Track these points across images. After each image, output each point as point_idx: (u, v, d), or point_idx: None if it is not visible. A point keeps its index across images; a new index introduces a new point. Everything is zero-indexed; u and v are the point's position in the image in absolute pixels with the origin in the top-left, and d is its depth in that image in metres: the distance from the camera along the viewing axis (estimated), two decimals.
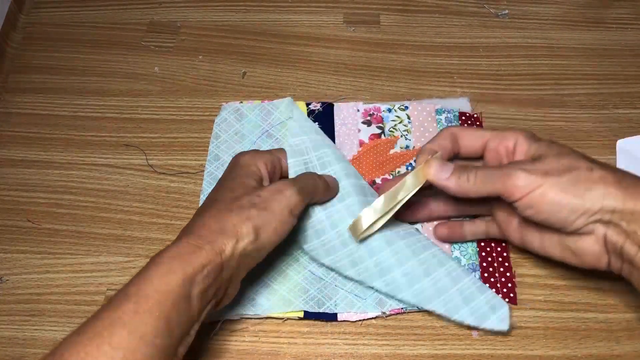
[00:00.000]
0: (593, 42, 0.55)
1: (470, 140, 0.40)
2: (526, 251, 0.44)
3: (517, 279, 0.43)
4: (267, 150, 0.43)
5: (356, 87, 0.53)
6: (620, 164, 0.48)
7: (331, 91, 0.52)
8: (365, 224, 0.40)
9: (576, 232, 0.36)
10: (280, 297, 0.41)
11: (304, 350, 0.40)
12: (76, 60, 0.55)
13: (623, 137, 0.49)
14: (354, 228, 0.41)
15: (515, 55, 0.54)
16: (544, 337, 0.41)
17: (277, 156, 0.42)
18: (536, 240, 0.39)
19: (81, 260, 0.45)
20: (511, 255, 0.44)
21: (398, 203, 0.39)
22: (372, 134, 0.49)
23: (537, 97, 0.52)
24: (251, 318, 0.41)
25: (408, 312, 0.42)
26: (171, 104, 0.52)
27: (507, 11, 0.57)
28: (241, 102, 0.51)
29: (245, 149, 0.47)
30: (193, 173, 0.48)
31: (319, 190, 0.41)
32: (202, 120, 0.51)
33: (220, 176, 0.42)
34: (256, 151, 0.42)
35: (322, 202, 0.43)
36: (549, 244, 0.39)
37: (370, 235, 0.42)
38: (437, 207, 0.44)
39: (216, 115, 0.51)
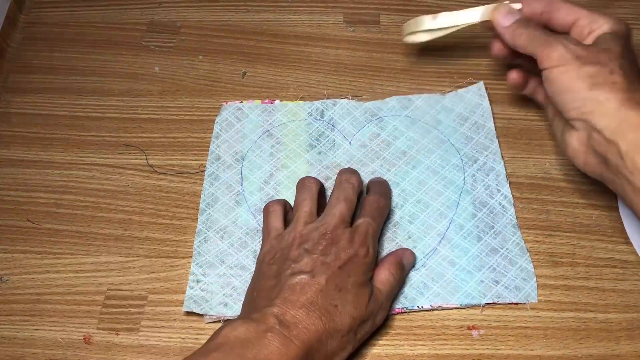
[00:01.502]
0: None
1: (563, 13, 0.42)
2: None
3: None
4: None
5: (356, 87, 0.53)
6: None
7: (331, 91, 0.52)
8: (422, 26, 0.47)
9: (569, 122, 0.40)
10: None
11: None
12: (76, 60, 0.55)
13: None
14: (407, 26, 0.47)
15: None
16: (544, 337, 0.41)
17: None
18: (549, 109, 0.44)
19: (81, 260, 0.45)
20: None
21: (458, 26, 0.46)
22: None
23: None
24: None
25: (408, 312, 0.42)
26: (171, 104, 0.52)
27: None
28: (242, 102, 0.51)
29: (246, 149, 0.47)
30: (193, 173, 0.48)
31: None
32: (202, 120, 0.51)
33: (221, 176, 0.43)
34: None
35: None
36: (556, 123, 0.43)
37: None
38: (500, 48, 0.46)
39: (216, 115, 0.51)
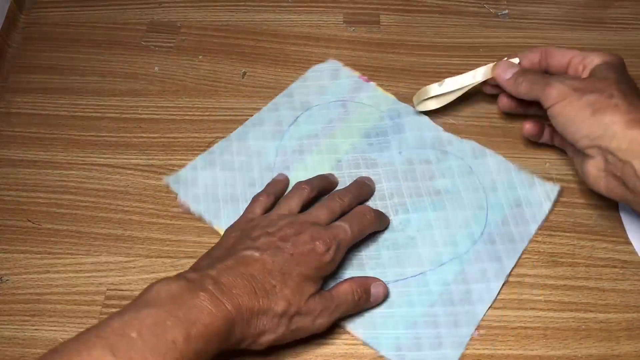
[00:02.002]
0: (593, 42, 0.55)
1: (558, 57, 0.46)
2: (525, 250, 0.44)
3: (517, 279, 0.43)
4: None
5: None
6: None
7: None
8: (429, 93, 0.49)
9: (583, 152, 0.41)
10: None
11: (304, 350, 0.40)
12: (76, 60, 0.55)
13: None
14: (417, 95, 0.49)
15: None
16: (544, 337, 0.41)
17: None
18: (569, 150, 0.45)
19: (81, 260, 0.45)
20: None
21: (464, 88, 0.48)
22: None
23: None
24: None
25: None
26: (171, 104, 0.52)
27: (507, 11, 0.57)
28: (344, 66, 0.53)
29: (315, 103, 0.51)
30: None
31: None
32: (202, 120, 0.51)
33: (280, 110, 0.51)
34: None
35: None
36: (575, 159, 0.43)
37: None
38: (508, 101, 0.48)
39: (217, 115, 0.51)
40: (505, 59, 0.47)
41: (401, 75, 0.53)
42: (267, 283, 0.36)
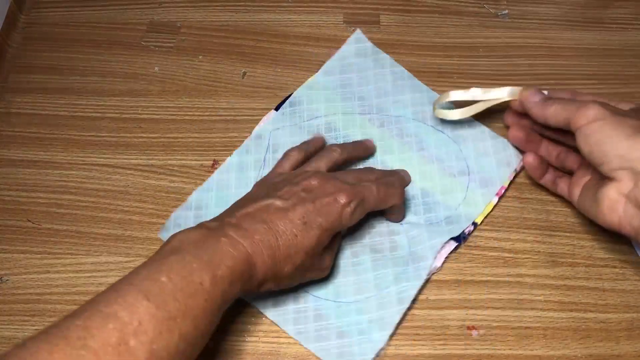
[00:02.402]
0: (593, 42, 0.55)
1: (589, 99, 0.43)
2: (525, 250, 0.44)
3: (517, 279, 0.43)
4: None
5: None
6: None
7: None
8: (452, 97, 0.48)
9: (607, 175, 0.39)
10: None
11: (304, 350, 0.40)
12: (76, 60, 0.55)
13: None
14: (439, 99, 0.48)
15: (515, 55, 0.54)
16: (544, 337, 0.41)
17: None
18: (576, 193, 0.43)
19: (81, 260, 0.45)
20: (510, 254, 0.44)
21: (489, 101, 0.47)
22: None
23: None
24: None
25: (408, 312, 0.42)
26: (171, 104, 0.52)
27: (507, 11, 0.57)
28: (374, 47, 0.54)
29: (347, 83, 0.52)
30: (193, 173, 0.48)
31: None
32: (202, 120, 0.51)
33: (320, 82, 0.51)
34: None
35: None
36: (584, 193, 0.42)
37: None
38: (515, 133, 0.47)
39: (217, 115, 0.51)
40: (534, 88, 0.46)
41: None
42: (289, 231, 0.37)
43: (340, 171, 0.43)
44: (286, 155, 0.45)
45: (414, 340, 0.41)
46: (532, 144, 0.47)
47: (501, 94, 0.47)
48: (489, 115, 0.50)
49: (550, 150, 0.46)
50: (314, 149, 0.46)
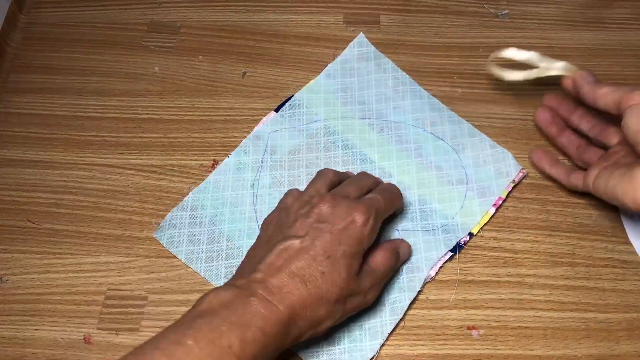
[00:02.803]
0: (593, 42, 0.55)
1: None
2: (525, 250, 0.44)
3: (517, 279, 0.43)
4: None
5: None
6: None
7: None
8: (509, 55, 0.47)
9: None
10: None
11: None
12: (76, 60, 0.55)
13: None
14: (495, 54, 0.48)
15: None
16: (544, 337, 0.41)
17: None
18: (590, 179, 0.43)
19: (81, 260, 0.45)
20: (510, 254, 0.44)
21: (542, 70, 0.46)
22: None
23: (537, 97, 0.52)
24: None
25: (408, 312, 0.42)
26: (171, 104, 0.52)
27: (507, 11, 0.57)
28: (376, 50, 0.54)
29: (347, 87, 0.52)
30: (193, 173, 0.48)
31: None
32: (202, 120, 0.51)
33: (321, 83, 0.51)
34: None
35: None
36: (608, 175, 0.41)
37: None
38: (548, 115, 0.48)
39: (217, 115, 0.51)
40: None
41: None
42: (315, 271, 0.35)
43: (339, 186, 0.42)
44: (288, 192, 0.42)
45: (414, 340, 0.41)
46: (555, 128, 0.47)
47: (557, 66, 0.46)
48: (489, 127, 0.50)
49: (572, 140, 0.47)
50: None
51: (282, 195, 0.43)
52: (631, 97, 0.39)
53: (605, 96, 0.41)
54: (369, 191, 0.42)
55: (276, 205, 0.42)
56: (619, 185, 0.39)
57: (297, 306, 0.34)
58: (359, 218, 0.37)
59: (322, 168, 0.44)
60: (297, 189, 0.42)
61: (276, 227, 0.39)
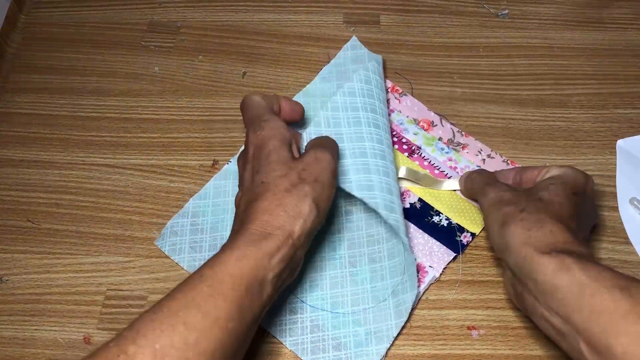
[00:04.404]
0: (593, 42, 0.55)
1: (528, 174, 0.43)
2: None
3: None
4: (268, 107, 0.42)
5: None
6: (620, 164, 0.48)
7: None
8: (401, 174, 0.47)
9: None
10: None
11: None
12: (76, 60, 0.55)
13: (623, 137, 0.49)
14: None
15: (515, 55, 0.54)
16: (544, 337, 0.41)
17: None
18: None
19: (81, 260, 0.45)
20: None
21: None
22: None
23: (537, 97, 0.52)
24: None
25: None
26: (171, 104, 0.52)
27: (507, 11, 0.57)
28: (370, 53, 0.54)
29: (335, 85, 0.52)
30: (193, 173, 0.48)
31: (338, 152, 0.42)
32: (202, 120, 0.51)
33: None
34: (271, 113, 0.41)
35: None
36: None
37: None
38: None
39: (217, 115, 0.51)
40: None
41: (401, 76, 0.53)
42: (263, 176, 0.37)
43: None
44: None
45: (414, 340, 0.41)
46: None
47: (446, 185, 0.47)
48: (489, 126, 0.50)
49: None
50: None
51: None
52: (480, 205, 0.41)
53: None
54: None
55: None
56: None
57: (270, 207, 0.35)
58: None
59: None
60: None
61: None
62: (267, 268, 0.33)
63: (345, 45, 0.54)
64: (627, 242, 0.45)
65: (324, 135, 0.42)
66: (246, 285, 0.32)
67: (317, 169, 0.37)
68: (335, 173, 0.38)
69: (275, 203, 0.35)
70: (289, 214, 0.35)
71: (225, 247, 0.33)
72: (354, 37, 0.55)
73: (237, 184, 0.47)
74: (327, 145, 0.39)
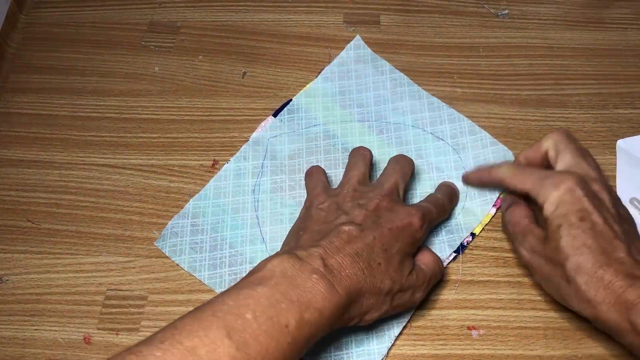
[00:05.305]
0: (593, 42, 0.55)
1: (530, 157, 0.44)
2: None
3: (517, 279, 0.43)
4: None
5: None
6: (620, 164, 0.48)
7: None
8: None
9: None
10: None
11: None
12: (76, 60, 0.55)
13: (623, 137, 0.49)
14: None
15: (515, 55, 0.54)
16: (544, 337, 0.41)
17: None
18: None
19: (81, 260, 0.45)
20: (510, 254, 0.44)
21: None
22: None
23: (536, 97, 0.52)
24: None
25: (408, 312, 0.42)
26: (171, 104, 0.52)
27: (507, 11, 0.57)
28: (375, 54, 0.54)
29: (345, 90, 0.51)
30: (193, 173, 0.48)
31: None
32: (202, 120, 0.51)
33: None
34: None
35: None
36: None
37: None
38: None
39: (216, 115, 0.51)
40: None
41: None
42: (372, 261, 0.36)
43: (384, 174, 0.43)
44: (311, 172, 0.45)
45: (414, 340, 0.41)
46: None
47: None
48: (489, 127, 0.50)
49: None
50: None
51: (283, 200, 0.44)
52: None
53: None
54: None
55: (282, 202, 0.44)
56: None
57: (353, 291, 0.35)
58: (415, 222, 0.39)
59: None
60: (319, 170, 0.45)
61: (331, 207, 0.40)
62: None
63: (348, 45, 0.54)
64: None
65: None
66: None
67: (406, 301, 0.38)
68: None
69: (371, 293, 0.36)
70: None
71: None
72: (358, 37, 0.55)
73: (237, 183, 0.47)
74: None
